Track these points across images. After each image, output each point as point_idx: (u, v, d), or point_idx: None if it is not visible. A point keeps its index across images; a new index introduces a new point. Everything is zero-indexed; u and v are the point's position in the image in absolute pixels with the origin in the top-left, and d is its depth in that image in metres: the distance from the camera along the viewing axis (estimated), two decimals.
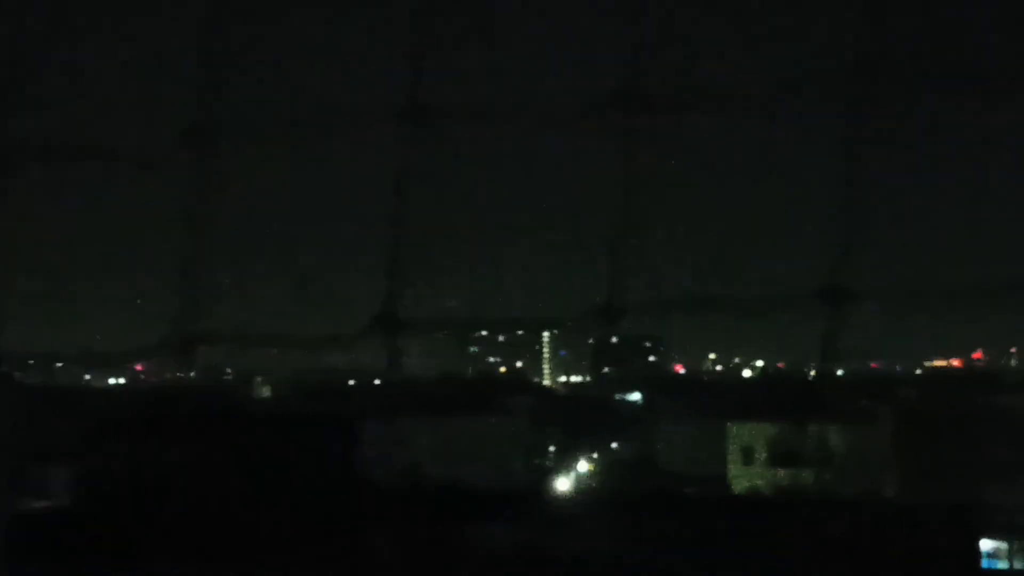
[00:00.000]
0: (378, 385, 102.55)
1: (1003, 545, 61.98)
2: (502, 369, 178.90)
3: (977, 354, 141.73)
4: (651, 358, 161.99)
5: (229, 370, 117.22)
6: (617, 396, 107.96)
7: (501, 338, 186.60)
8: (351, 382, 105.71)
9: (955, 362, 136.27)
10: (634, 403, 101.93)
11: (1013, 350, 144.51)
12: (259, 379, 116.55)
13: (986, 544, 57.34)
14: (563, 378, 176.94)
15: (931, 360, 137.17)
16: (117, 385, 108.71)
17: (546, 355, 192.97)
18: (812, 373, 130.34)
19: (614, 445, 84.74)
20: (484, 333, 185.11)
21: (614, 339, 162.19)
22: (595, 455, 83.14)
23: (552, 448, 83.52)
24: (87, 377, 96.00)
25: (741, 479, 72.83)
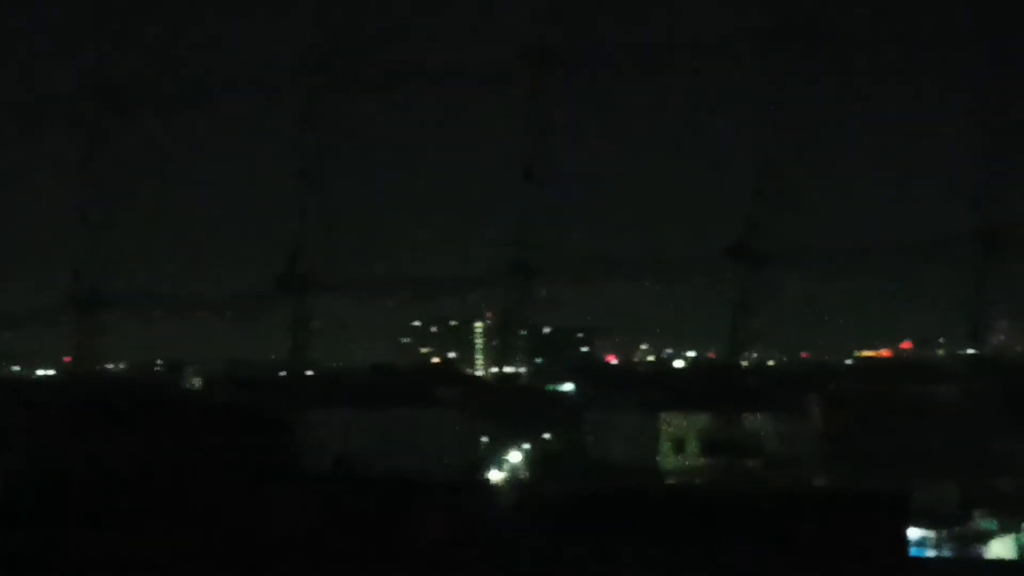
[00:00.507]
0: (310, 376, 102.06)
1: (930, 534, 62.69)
2: (435, 360, 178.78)
3: (906, 344, 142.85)
4: (583, 349, 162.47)
5: (160, 361, 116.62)
6: (549, 387, 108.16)
7: (434, 328, 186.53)
8: (282, 373, 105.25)
9: (884, 352, 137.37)
10: (566, 394, 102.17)
11: (942, 340, 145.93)
12: (190, 370, 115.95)
13: (914, 532, 57.93)
14: (495, 369, 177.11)
15: (861, 350, 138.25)
16: (46, 376, 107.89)
17: (479, 345, 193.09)
18: (744, 363, 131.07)
19: (546, 436, 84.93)
20: (417, 323, 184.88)
21: (547, 329, 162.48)
22: (527, 446, 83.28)
23: (484, 439, 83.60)
24: (15, 369, 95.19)
25: (673, 469, 73.23)
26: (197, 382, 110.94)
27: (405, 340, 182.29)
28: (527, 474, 77.24)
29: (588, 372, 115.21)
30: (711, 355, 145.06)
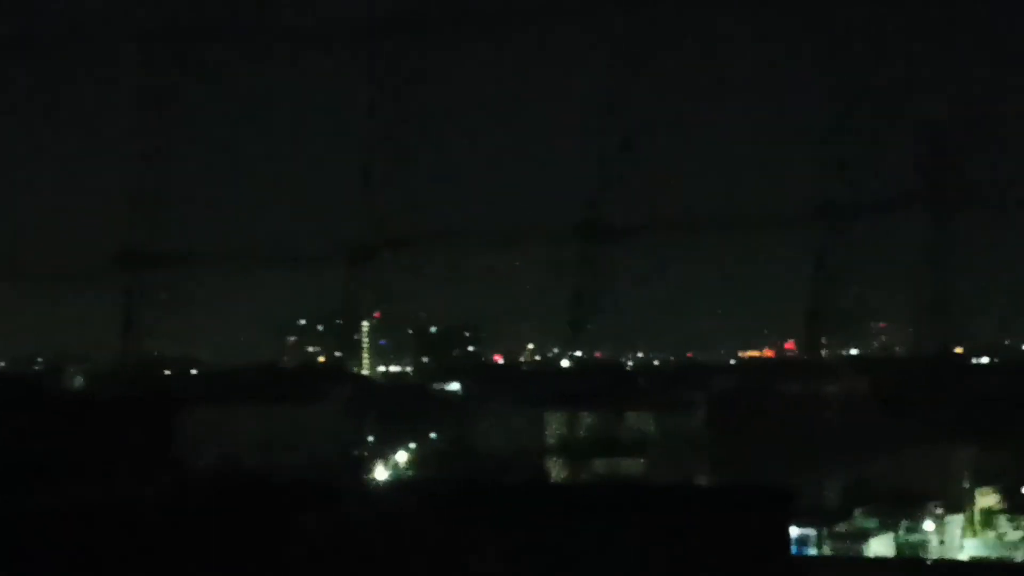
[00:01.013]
0: (197, 375, 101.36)
1: (812, 532, 63.40)
2: (321, 359, 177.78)
3: (789, 344, 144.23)
4: (470, 348, 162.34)
5: (40, 359, 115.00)
6: (436, 386, 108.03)
7: (320, 327, 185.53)
8: (167, 372, 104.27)
9: (768, 352, 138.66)
10: (453, 393, 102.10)
11: (824, 340, 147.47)
12: (72, 368, 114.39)
13: (796, 531, 58.57)
14: (383, 368, 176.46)
15: (745, 350, 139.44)
16: None
17: (365, 344, 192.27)
18: (630, 364, 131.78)
19: (433, 435, 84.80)
20: (303, 322, 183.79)
21: (433, 329, 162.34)
22: (414, 444, 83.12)
23: (371, 437, 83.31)
24: None
25: (559, 467, 73.40)
26: (79, 380, 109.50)
27: (292, 339, 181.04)
28: (413, 472, 77.12)
29: (475, 371, 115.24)
30: (597, 355, 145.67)
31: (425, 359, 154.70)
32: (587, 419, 74.59)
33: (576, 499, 39.04)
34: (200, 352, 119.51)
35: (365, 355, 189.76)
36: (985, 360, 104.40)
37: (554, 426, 75.71)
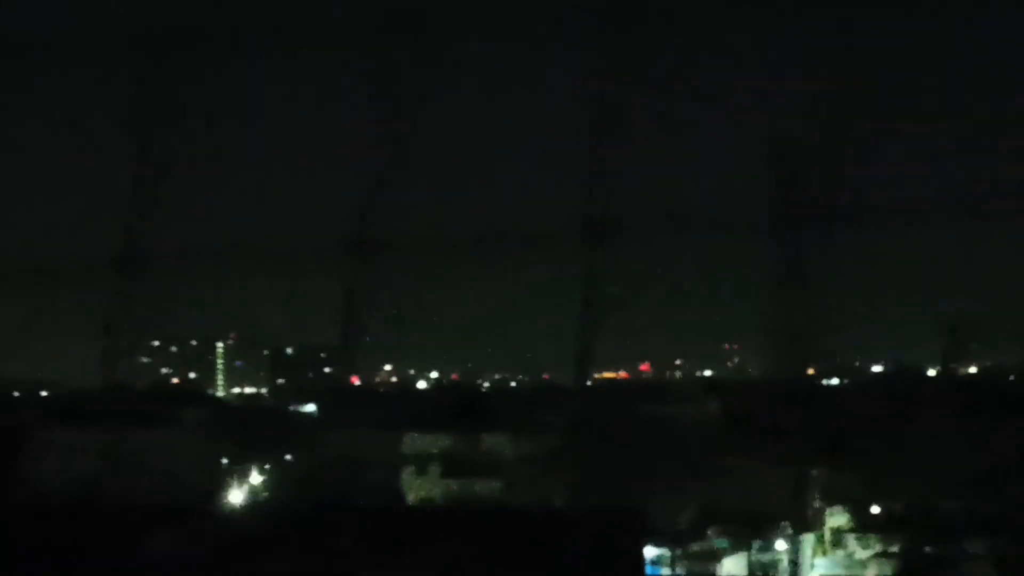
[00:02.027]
0: (47, 396, 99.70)
1: (666, 552, 63.91)
2: (174, 380, 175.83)
3: (644, 366, 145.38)
4: (326, 369, 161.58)
5: None
6: (292, 407, 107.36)
7: (174, 348, 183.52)
8: (16, 393, 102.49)
9: (623, 374, 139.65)
10: (309, 414, 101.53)
11: (678, 362, 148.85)
12: None
13: (650, 551, 59.02)
14: (238, 389, 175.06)
15: (600, 371, 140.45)
16: None
17: (220, 365, 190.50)
18: (486, 385, 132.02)
19: (288, 457, 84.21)
20: (156, 343, 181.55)
21: (289, 350, 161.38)
22: (269, 467, 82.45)
23: (225, 460, 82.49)
24: None
25: (415, 490, 73.28)
26: None
27: (145, 360, 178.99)
28: (269, 495, 76.48)
29: (331, 393, 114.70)
30: (454, 376, 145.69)
31: (281, 380, 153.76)
32: (442, 441, 74.54)
33: (431, 522, 39.05)
34: (49, 373, 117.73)
35: (220, 376, 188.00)
36: (836, 381, 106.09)
37: (410, 448, 75.54)
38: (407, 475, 74.58)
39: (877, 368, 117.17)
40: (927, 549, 66.80)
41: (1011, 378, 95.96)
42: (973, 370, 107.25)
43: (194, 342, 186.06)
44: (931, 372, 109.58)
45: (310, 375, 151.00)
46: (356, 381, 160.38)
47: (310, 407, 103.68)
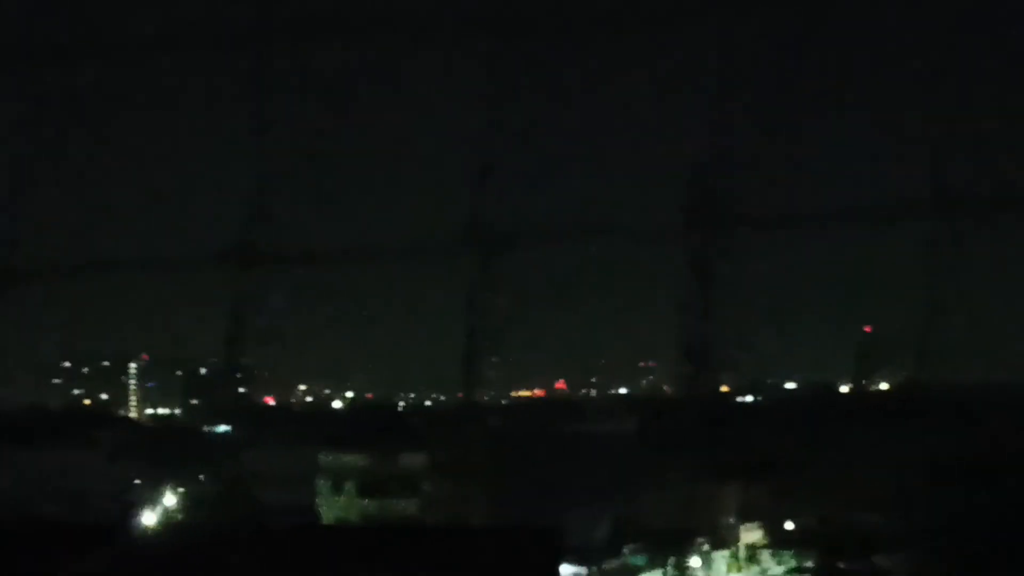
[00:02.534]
0: None
1: (582, 570, 64.00)
2: (86, 401, 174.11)
3: (560, 384, 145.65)
4: (241, 389, 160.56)
5: None
6: (206, 428, 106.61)
7: (85, 369, 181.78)
8: None
9: (538, 392, 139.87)
10: (223, 434, 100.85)
11: (593, 380, 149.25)
12: None
13: (566, 570, 59.07)
14: (151, 410, 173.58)
15: (517, 390, 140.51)
16: None
17: (133, 387, 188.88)
18: (402, 404, 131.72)
19: (202, 477, 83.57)
20: (67, 364, 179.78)
21: (203, 370, 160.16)
22: (182, 488, 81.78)
23: (138, 481, 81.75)
24: None
25: (331, 509, 72.98)
26: None
27: (56, 381, 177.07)
28: (183, 516, 75.85)
29: (245, 413, 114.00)
30: (369, 396, 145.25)
31: (194, 401, 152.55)
32: (358, 460, 74.31)
33: (346, 542, 38.85)
34: None
35: (132, 397, 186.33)
36: (750, 398, 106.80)
37: (325, 468, 75.22)
38: (322, 495, 74.27)
39: (790, 385, 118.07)
40: (840, 564, 67.33)
41: (921, 395, 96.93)
42: (885, 386, 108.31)
43: (106, 363, 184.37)
44: (844, 388, 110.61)
45: (224, 395, 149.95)
46: (270, 401, 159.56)
47: (224, 427, 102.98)
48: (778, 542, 71.81)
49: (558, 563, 45.56)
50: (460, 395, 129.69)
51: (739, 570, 71.28)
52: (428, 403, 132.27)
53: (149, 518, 74.51)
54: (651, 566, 67.85)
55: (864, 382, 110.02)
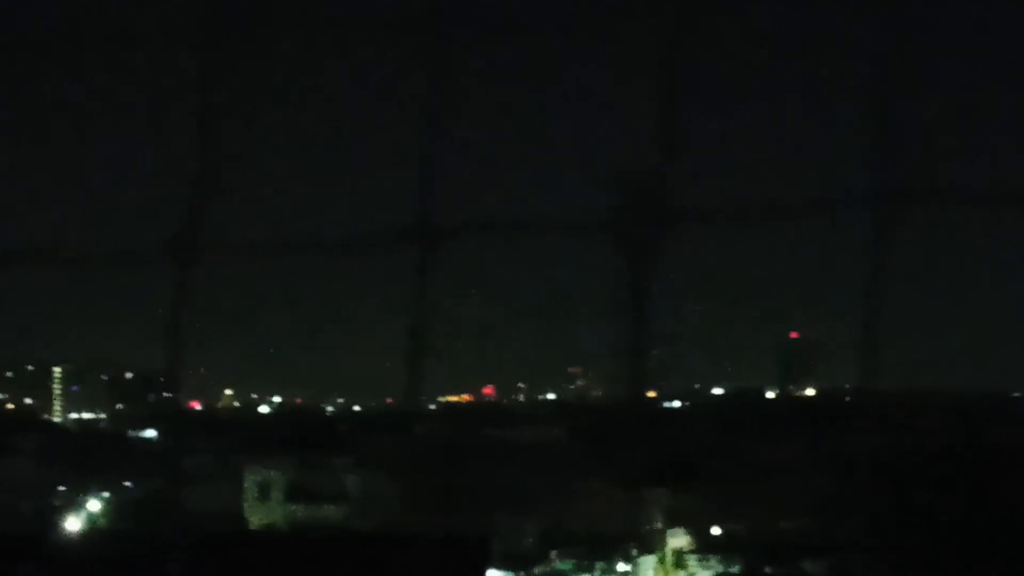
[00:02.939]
0: None
1: (511, 575, 64.03)
2: (10, 406, 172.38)
3: (488, 389, 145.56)
4: (166, 394, 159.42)
5: None
6: (131, 433, 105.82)
7: (9, 373, 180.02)
8: None
9: (466, 397, 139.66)
10: (149, 440, 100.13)
11: (521, 385, 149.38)
12: None
13: (494, 574, 59.06)
14: (75, 415, 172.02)
15: (444, 395, 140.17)
16: None
17: (57, 391, 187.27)
18: (330, 410, 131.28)
19: (127, 483, 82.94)
20: None
21: (128, 375, 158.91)
22: (107, 494, 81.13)
23: (62, 487, 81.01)
24: None
25: (258, 516, 72.62)
26: None
27: None
28: (108, 523, 75.25)
29: (171, 418, 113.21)
30: (298, 401, 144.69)
31: (120, 406, 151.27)
32: (285, 466, 73.98)
33: (274, 549, 38.69)
34: None
35: (57, 402, 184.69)
36: (677, 404, 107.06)
37: (252, 474, 74.84)
38: (249, 501, 73.88)
39: (718, 390, 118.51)
40: (767, 570, 67.68)
41: (848, 400, 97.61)
42: (811, 392, 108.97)
43: (30, 367, 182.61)
44: (770, 394, 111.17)
45: (150, 400, 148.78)
46: (197, 406, 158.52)
47: (150, 433, 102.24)
48: (705, 547, 72.07)
49: (486, 569, 45.60)
50: (389, 400, 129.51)
51: (666, 575, 71.51)
52: (357, 408, 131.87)
53: (73, 525, 73.88)
54: (579, 571, 67.96)
55: (790, 388, 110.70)
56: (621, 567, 69.17)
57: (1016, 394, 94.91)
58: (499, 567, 60.48)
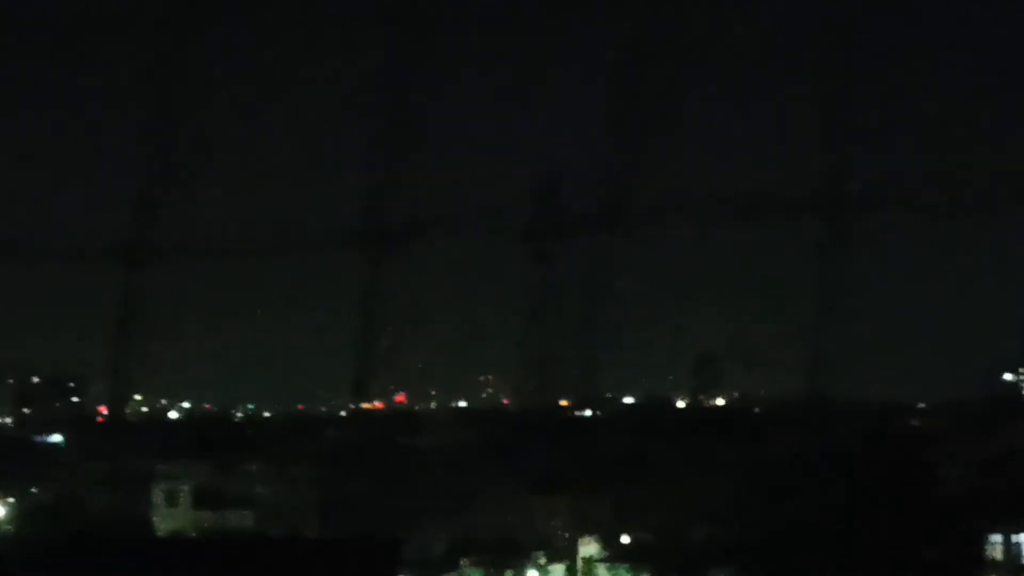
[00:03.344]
0: None
1: None
2: None
3: (400, 396, 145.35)
4: (74, 399, 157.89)
5: None
6: (38, 438, 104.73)
7: None
8: None
9: (378, 404, 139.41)
10: (55, 445, 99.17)
11: (433, 392, 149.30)
12: None
13: None
14: None
15: (355, 402, 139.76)
16: None
17: None
18: (239, 415, 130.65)
19: (33, 489, 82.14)
20: None
21: (36, 379, 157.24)
22: (13, 499, 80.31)
23: None
24: None
25: (166, 521, 72.15)
26: None
27: None
28: (14, 528, 74.48)
29: (79, 423, 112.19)
30: (208, 406, 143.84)
31: (26, 410, 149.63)
32: (194, 472, 73.59)
33: (181, 554, 38.46)
34: None
35: None
36: (588, 412, 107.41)
37: (160, 479, 74.36)
38: (157, 506, 73.40)
39: (629, 400, 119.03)
40: None
41: (756, 410, 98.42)
42: (721, 402, 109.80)
43: None
44: (681, 404, 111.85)
45: (57, 405, 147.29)
46: (105, 411, 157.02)
47: (56, 438, 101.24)
48: (614, 555, 72.37)
49: (395, 573, 45.60)
50: (299, 407, 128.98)
51: None
52: (267, 414, 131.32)
53: None
54: None
55: (700, 397, 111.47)
56: (531, 575, 69.32)
57: (921, 405, 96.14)
58: (408, 574, 60.47)
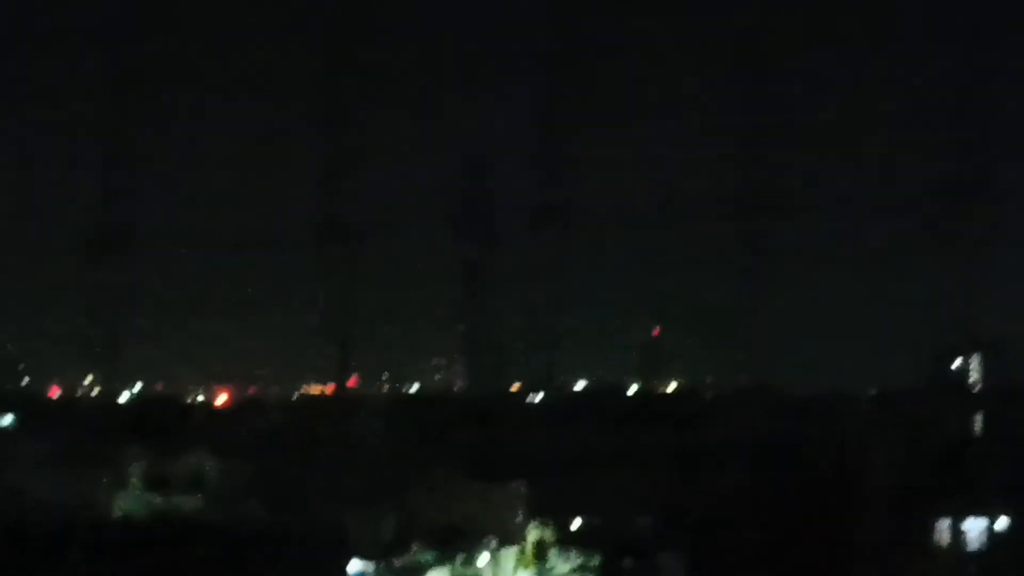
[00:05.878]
0: None
1: (370, 566, 64.13)
2: None
3: (352, 381, 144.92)
4: (24, 380, 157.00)
5: None
6: None
7: None
8: None
9: (328, 388, 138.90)
10: (4, 428, 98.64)
11: (386, 375, 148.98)
12: None
13: (354, 565, 59.18)
14: None
15: (305, 385, 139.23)
16: None
17: None
18: (188, 399, 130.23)
19: None
20: None
21: None
22: None
23: None
24: None
25: (116, 504, 71.96)
26: None
27: None
28: None
29: (26, 405, 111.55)
30: (158, 387, 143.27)
31: None
32: (143, 454, 73.38)
33: (131, 537, 38.47)
34: None
35: None
36: (539, 397, 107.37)
37: (110, 461, 74.14)
38: (107, 489, 73.17)
39: (580, 385, 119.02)
40: (625, 563, 68.38)
41: (708, 396, 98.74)
42: (671, 388, 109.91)
43: None
44: (631, 390, 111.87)
45: (6, 386, 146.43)
46: (56, 392, 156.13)
47: (5, 420, 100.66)
48: (565, 540, 72.62)
49: (346, 560, 45.83)
50: (251, 390, 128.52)
51: (526, 567, 71.95)
52: (218, 399, 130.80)
53: None
54: (439, 563, 68.15)
55: (651, 383, 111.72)
56: (482, 559, 69.49)
57: (872, 392, 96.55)
58: (358, 557, 60.59)
